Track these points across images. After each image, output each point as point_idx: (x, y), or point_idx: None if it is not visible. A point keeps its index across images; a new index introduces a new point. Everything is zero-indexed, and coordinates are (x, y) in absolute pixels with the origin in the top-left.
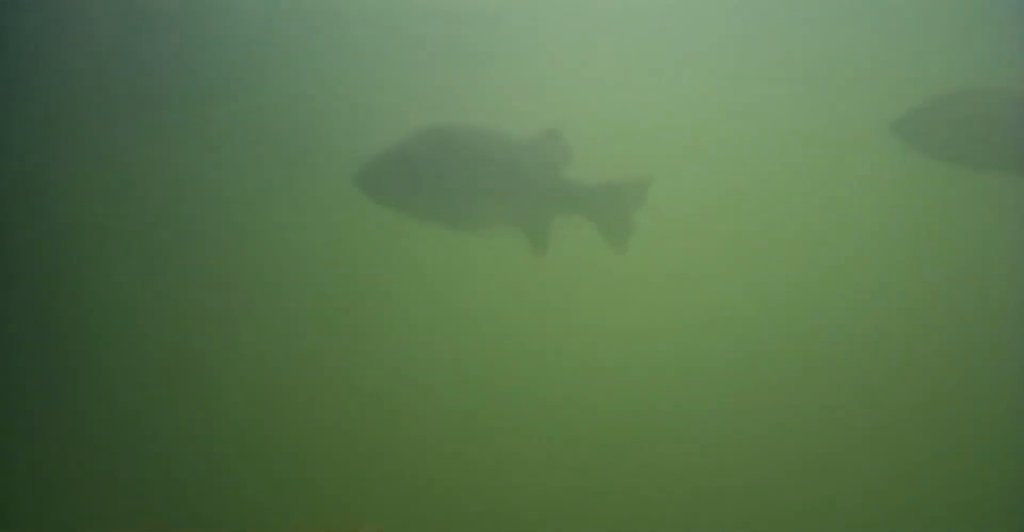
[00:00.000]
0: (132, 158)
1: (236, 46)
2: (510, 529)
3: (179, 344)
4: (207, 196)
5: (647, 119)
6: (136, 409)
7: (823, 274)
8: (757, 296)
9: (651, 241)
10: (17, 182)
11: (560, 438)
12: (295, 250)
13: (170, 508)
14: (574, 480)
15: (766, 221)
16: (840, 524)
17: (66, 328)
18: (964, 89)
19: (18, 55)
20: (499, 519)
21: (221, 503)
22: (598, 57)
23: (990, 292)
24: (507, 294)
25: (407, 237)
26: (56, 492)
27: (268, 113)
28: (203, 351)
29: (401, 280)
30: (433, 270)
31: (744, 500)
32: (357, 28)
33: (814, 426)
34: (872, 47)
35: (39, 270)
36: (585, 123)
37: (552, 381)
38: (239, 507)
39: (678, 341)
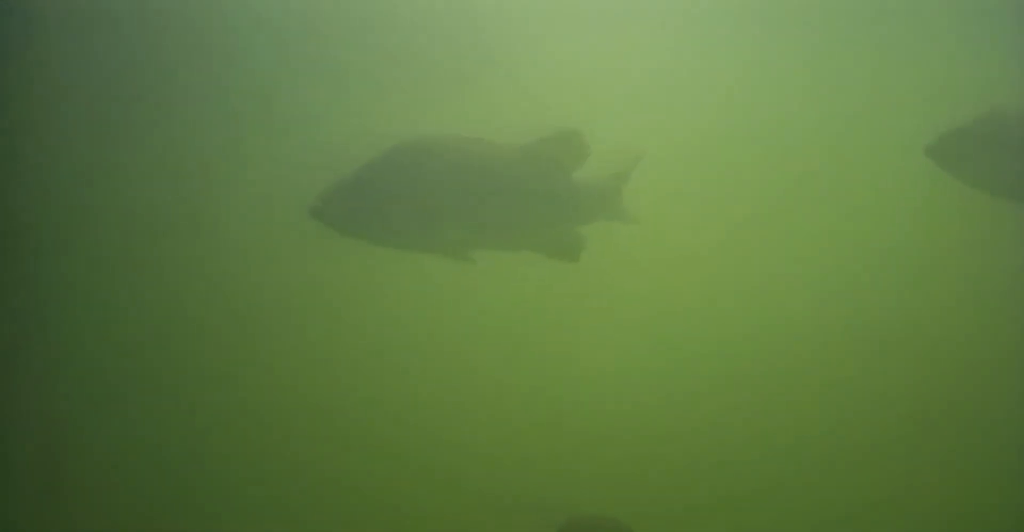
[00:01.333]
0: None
1: (202, 56)
2: None
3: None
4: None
5: (662, 132)
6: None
7: (832, 285)
8: (767, 306)
9: (675, 252)
10: None
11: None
12: (258, 279)
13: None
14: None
15: (776, 228)
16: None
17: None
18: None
19: None
20: None
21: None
22: (601, 60)
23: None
24: (517, 315)
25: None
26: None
27: (234, 123)
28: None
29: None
30: (431, 298)
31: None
32: (331, 37)
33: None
34: (908, 64)
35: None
36: (589, 127)
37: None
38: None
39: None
